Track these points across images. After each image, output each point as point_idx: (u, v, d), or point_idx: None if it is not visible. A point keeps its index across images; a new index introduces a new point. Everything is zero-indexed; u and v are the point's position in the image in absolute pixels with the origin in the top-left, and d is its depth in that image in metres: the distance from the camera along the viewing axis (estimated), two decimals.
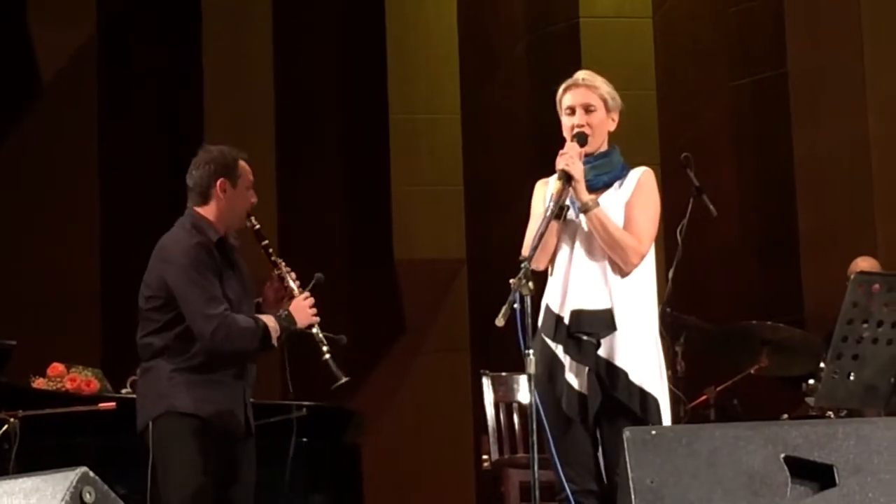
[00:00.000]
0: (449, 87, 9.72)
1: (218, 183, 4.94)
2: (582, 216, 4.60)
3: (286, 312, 4.91)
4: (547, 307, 4.63)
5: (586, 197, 4.57)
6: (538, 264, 4.56)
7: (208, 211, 4.95)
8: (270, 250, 5.02)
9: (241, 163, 5.00)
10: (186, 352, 4.85)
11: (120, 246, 9.32)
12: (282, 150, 9.73)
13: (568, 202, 4.60)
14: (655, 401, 4.53)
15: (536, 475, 4.33)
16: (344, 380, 4.86)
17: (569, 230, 4.64)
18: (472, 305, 9.43)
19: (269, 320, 4.87)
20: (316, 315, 4.94)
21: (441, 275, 9.57)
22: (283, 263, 5.04)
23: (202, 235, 4.90)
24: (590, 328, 4.53)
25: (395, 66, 9.76)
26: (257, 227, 5.01)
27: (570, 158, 4.56)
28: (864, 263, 6.68)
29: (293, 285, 4.98)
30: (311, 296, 4.99)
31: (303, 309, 4.93)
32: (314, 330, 4.94)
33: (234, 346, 4.82)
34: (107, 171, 9.66)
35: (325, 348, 4.89)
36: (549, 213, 4.51)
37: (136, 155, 9.60)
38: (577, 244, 4.62)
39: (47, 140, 9.60)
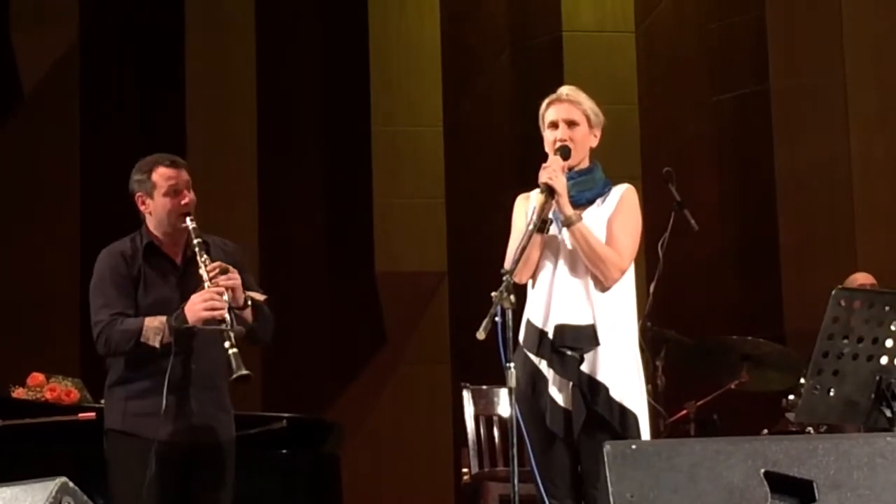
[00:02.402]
0: (431, 99, 9.71)
1: (136, 198, 4.92)
2: (564, 230, 4.61)
3: (179, 310, 4.73)
4: (528, 322, 4.64)
5: (570, 211, 4.58)
6: (520, 277, 4.56)
7: (148, 218, 4.94)
8: (196, 250, 4.78)
9: (159, 169, 4.87)
10: (111, 366, 4.90)
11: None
12: (263, 160, 9.71)
13: (551, 216, 4.60)
14: (635, 417, 4.54)
15: (517, 489, 4.33)
16: (244, 372, 4.59)
17: (552, 246, 4.64)
18: (453, 318, 9.42)
19: (152, 321, 4.72)
20: (211, 310, 4.65)
21: (422, 287, 9.56)
22: (209, 262, 4.75)
23: (130, 243, 4.91)
24: (573, 343, 4.53)
25: (378, 77, 9.75)
26: (191, 226, 4.80)
27: (553, 172, 4.56)
28: (861, 278, 6.71)
29: (206, 283, 4.70)
30: (239, 293, 4.75)
31: (192, 305, 4.69)
32: (222, 326, 4.63)
33: (111, 350, 4.79)
34: (88, 177, 9.61)
35: (226, 344, 4.62)
36: (531, 227, 4.52)
37: (117, 163, 9.55)
38: (561, 260, 4.62)
39: (28, 147, 9.55)
